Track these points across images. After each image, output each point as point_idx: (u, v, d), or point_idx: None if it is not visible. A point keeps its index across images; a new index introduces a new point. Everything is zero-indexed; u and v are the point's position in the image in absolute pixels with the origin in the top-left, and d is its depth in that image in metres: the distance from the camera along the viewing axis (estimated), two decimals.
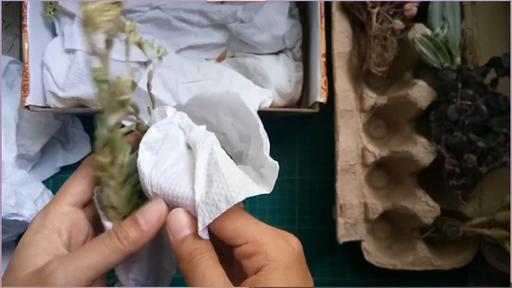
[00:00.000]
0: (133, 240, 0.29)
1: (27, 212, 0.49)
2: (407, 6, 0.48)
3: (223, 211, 0.27)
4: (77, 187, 0.32)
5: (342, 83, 0.51)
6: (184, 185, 0.29)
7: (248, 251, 0.27)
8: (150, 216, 0.29)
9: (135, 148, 0.32)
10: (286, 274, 0.26)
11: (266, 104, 0.51)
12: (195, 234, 0.28)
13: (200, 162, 0.29)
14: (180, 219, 0.28)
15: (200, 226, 0.28)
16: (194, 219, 0.28)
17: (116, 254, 0.29)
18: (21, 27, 0.49)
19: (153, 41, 0.34)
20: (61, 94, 0.50)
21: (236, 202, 0.27)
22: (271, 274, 0.26)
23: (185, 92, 0.49)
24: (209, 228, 0.28)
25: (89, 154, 0.57)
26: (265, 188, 0.29)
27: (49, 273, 0.27)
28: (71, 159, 0.57)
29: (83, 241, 0.33)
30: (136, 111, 0.33)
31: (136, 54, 0.53)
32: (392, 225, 0.55)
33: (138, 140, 0.32)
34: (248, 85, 0.51)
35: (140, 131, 0.34)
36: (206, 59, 0.55)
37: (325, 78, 0.48)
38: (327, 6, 0.51)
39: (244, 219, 0.28)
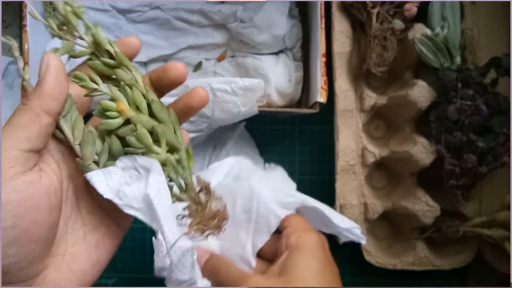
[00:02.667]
0: (34, 96, 0.27)
1: None
2: (407, 6, 0.48)
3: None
4: None
5: (342, 83, 0.51)
6: None
7: (288, 231, 0.34)
8: (41, 69, 0.28)
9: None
10: (309, 255, 0.32)
11: (259, 94, 0.50)
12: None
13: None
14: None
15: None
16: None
17: (27, 115, 0.26)
18: (21, 27, 0.49)
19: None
20: None
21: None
22: (297, 253, 0.32)
23: None
24: None
25: None
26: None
27: None
28: None
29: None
30: None
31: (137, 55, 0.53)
32: (392, 225, 0.55)
33: None
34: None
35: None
36: (206, 59, 0.55)
37: (325, 78, 0.48)
38: (327, 6, 0.51)
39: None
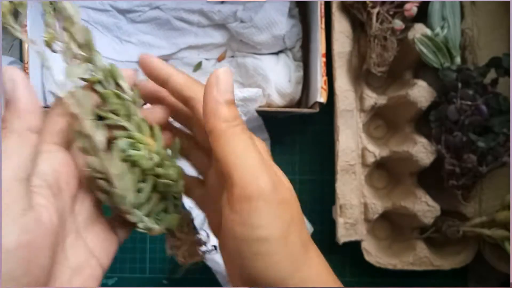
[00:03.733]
0: (11, 115, 0.24)
1: None
2: (407, 6, 0.48)
3: None
4: (56, 126, 0.27)
5: (342, 83, 0.51)
6: None
7: (227, 181, 0.25)
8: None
9: None
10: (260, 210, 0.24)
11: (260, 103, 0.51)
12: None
13: None
14: (230, 81, 0.26)
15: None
16: None
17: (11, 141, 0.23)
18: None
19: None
20: (61, 94, 0.50)
21: None
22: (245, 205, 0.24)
23: None
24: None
25: None
26: None
27: None
28: None
29: (75, 184, 0.28)
30: None
31: (136, 54, 0.53)
32: (392, 225, 0.55)
33: None
34: None
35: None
36: (206, 59, 0.55)
37: (325, 78, 0.48)
38: (327, 6, 0.51)
39: (235, 147, 0.25)
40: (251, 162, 0.24)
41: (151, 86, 0.30)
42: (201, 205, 0.32)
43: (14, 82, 0.24)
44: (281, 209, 0.24)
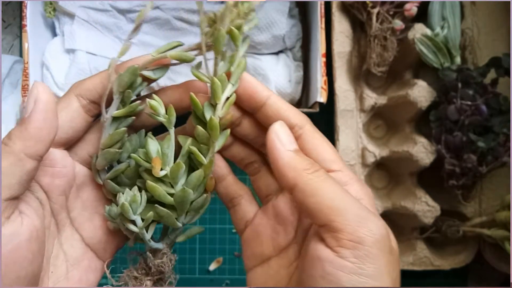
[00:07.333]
0: (18, 137, 0.23)
1: None
2: (407, 6, 0.48)
3: None
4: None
5: (342, 83, 0.51)
6: None
7: (327, 227, 0.23)
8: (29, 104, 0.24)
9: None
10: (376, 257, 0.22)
11: None
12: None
13: None
14: (288, 131, 0.25)
15: None
16: None
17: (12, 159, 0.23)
18: (21, 27, 0.49)
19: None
20: (61, 94, 0.50)
21: None
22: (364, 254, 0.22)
23: None
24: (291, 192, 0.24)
25: None
26: None
27: None
28: None
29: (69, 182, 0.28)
30: None
31: (136, 54, 0.53)
32: (392, 225, 0.55)
33: None
34: None
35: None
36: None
37: (325, 78, 0.48)
38: (327, 6, 0.51)
39: (331, 191, 0.23)
40: (352, 204, 0.22)
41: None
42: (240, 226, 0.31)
43: (36, 102, 0.23)
44: (392, 260, 0.22)
